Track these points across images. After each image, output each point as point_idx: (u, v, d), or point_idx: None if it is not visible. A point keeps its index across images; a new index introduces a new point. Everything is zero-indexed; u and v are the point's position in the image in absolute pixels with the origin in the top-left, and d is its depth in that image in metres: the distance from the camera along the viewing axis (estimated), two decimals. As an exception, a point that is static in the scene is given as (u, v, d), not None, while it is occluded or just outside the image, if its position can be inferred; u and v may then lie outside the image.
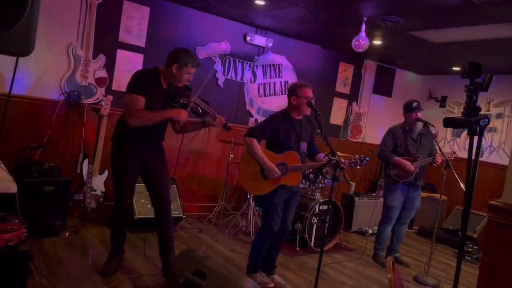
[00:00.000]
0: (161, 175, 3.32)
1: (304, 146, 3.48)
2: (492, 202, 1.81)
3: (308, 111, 3.40)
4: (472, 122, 1.53)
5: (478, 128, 1.54)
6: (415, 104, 4.40)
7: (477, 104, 1.58)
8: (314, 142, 3.62)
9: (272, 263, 3.66)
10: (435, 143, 4.52)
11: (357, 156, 3.37)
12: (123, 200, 3.29)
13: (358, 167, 3.36)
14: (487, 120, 1.55)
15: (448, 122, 1.58)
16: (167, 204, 3.34)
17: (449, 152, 4.33)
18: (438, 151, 4.36)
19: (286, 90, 6.11)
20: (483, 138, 5.45)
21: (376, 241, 4.70)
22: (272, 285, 3.52)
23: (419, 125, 4.40)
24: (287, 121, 3.42)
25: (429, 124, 4.41)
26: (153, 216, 4.47)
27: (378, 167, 6.95)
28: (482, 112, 5.44)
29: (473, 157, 1.57)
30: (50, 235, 3.87)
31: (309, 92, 3.37)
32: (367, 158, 3.33)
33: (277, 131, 3.37)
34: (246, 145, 3.38)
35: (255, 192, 3.58)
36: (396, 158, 4.35)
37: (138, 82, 3.05)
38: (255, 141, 3.32)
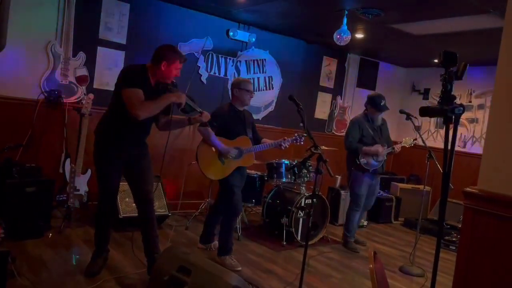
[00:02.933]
0: (145, 172, 3.30)
1: (250, 133, 3.96)
2: (467, 189, 1.83)
3: (248, 101, 3.90)
4: (447, 111, 1.54)
5: (453, 116, 1.55)
6: (383, 103, 4.60)
7: (452, 93, 1.58)
8: (256, 129, 4.11)
9: (212, 233, 4.14)
10: (419, 135, 4.65)
11: (296, 134, 3.97)
12: (107, 198, 3.27)
13: (298, 143, 3.97)
14: (462, 108, 1.56)
15: (424, 111, 1.59)
16: (151, 201, 3.33)
17: (411, 139, 4.68)
18: (404, 138, 4.74)
19: (271, 85, 6.19)
20: (466, 129, 5.61)
21: (346, 229, 4.85)
22: (240, 268, 3.78)
23: (380, 119, 4.72)
24: (233, 111, 3.87)
25: (412, 116, 4.45)
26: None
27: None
28: (465, 103, 5.47)
29: (449, 146, 1.58)
30: (32, 237, 3.80)
31: (250, 86, 3.91)
32: (305, 134, 3.71)
33: (227, 121, 3.81)
34: (202, 135, 3.76)
35: (216, 177, 3.86)
36: (365, 147, 4.56)
37: (132, 75, 3.05)
38: (210, 129, 3.70)
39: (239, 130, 3.86)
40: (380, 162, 4.59)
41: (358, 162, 4.57)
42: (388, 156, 4.77)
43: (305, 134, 3.80)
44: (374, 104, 4.62)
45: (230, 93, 3.99)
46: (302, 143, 3.97)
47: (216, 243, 4.15)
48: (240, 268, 3.77)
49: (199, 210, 5.19)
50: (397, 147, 4.66)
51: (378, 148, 4.53)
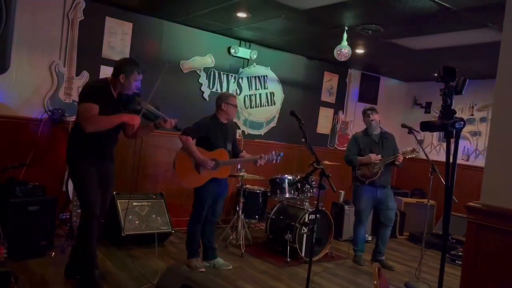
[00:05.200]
0: (109, 186, 3.40)
1: (229, 146, 4.06)
2: (470, 204, 1.82)
3: (233, 115, 4.07)
4: (448, 125, 1.54)
5: (454, 131, 1.55)
6: (367, 107, 4.84)
7: (452, 107, 1.59)
8: (236, 143, 4.24)
9: (211, 248, 4.15)
10: (421, 149, 4.60)
11: (273, 152, 4.04)
12: (93, 204, 3.19)
13: (274, 161, 4.05)
14: (462, 123, 1.57)
15: (425, 126, 1.59)
16: (105, 213, 3.49)
17: (409, 150, 4.57)
18: (402, 150, 4.67)
19: (273, 101, 6.23)
20: (468, 142, 5.57)
21: (353, 243, 4.92)
22: (203, 269, 3.92)
23: (373, 124, 4.72)
24: (216, 124, 3.98)
25: (414, 130, 4.44)
26: (142, 232, 4.47)
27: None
28: (467, 117, 5.47)
29: (451, 160, 1.58)
30: (35, 256, 3.79)
31: (235, 101, 4.05)
32: (281, 154, 4.06)
33: (208, 132, 3.92)
34: (182, 143, 3.87)
35: (191, 185, 3.95)
36: (359, 157, 4.64)
37: (90, 91, 3.14)
38: (190, 139, 3.83)
39: (219, 143, 3.96)
40: (375, 174, 4.57)
41: (355, 174, 4.71)
42: (391, 167, 4.76)
43: (281, 154, 4.07)
44: (362, 113, 4.84)
45: (216, 105, 4.06)
46: (278, 161, 4.07)
47: (219, 259, 4.17)
48: (203, 270, 3.91)
49: (202, 227, 5.15)
50: (398, 158, 4.53)
51: (370, 156, 4.57)
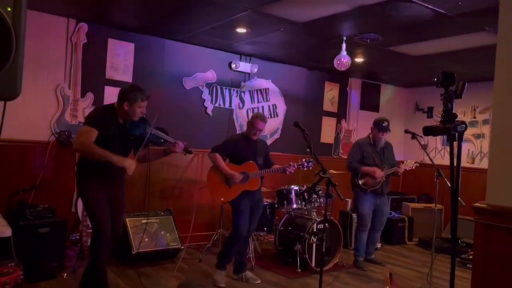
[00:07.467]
0: (120, 208, 3.41)
1: (260, 160, 4.18)
2: (477, 204, 1.84)
3: (253, 136, 4.10)
4: (450, 129, 1.58)
5: (456, 134, 1.59)
6: (385, 124, 4.82)
7: (454, 111, 1.63)
8: (269, 157, 4.35)
9: (242, 263, 4.24)
10: (426, 153, 4.70)
11: (303, 159, 4.13)
12: (103, 226, 3.23)
13: (305, 168, 4.13)
14: (464, 125, 1.60)
15: (427, 131, 1.63)
16: (118, 237, 3.49)
17: (410, 163, 4.86)
18: (405, 162, 4.95)
19: (275, 113, 6.28)
20: (473, 145, 5.67)
21: (355, 248, 5.03)
22: (223, 285, 4.02)
23: (382, 140, 4.89)
24: (245, 140, 4.15)
25: (418, 135, 4.48)
26: (152, 249, 4.49)
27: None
28: (470, 119, 5.56)
29: (455, 163, 1.61)
30: (47, 278, 3.81)
31: (259, 125, 4.06)
32: (311, 160, 4.07)
33: (236, 148, 4.10)
34: (211, 160, 4.06)
35: (224, 198, 4.09)
36: (364, 167, 4.76)
37: (94, 116, 3.20)
38: (218, 155, 4.00)
39: (248, 156, 4.08)
40: (378, 183, 4.76)
41: (357, 182, 4.81)
42: (391, 176, 4.97)
43: (311, 160, 4.09)
44: (377, 124, 4.86)
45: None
46: (310, 167, 4.13)
47: (247, 273, 4.25)
48: (223, 285, 3.99)
49: (211, 242, 5.17)
50: (400, 169, 4.82)
51: (376, 170, 4.73)
